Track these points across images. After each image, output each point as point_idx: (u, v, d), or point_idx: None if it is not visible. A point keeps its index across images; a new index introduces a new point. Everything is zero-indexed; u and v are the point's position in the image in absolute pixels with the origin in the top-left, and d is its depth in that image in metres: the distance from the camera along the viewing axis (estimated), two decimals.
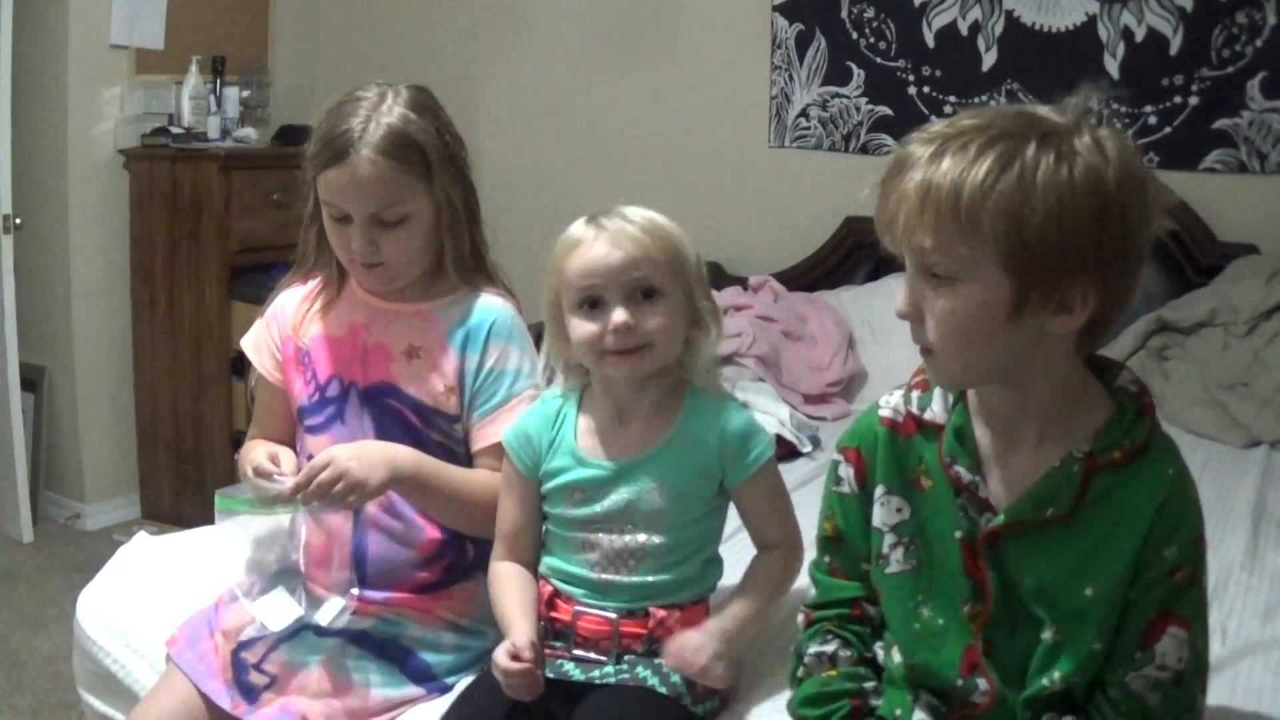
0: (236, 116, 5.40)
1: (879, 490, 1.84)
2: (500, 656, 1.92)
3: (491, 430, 2.27)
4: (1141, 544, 1.61)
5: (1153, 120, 4.30)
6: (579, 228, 2.05)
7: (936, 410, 1.79)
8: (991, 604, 1.71)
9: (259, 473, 2.21)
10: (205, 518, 3.42)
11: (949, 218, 1.53)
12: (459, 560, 2.31)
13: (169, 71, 5.31)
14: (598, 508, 2.08)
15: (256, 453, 2.27)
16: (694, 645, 1.92)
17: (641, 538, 2.05)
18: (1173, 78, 4.25)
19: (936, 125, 1.61)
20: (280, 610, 2.20)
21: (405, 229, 2.25)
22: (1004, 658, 1.72)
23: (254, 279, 4.98)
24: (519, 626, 2.00)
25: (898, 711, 1.81)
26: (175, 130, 5.19)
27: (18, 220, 4.86)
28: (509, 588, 2.11)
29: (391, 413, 2.31)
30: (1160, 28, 4.25)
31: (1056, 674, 1.66)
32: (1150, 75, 4.28)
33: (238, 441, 5.11)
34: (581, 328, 2.02)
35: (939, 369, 1.69)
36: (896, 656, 1.84)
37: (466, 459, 2.32)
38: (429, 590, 2.29)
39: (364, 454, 2.15)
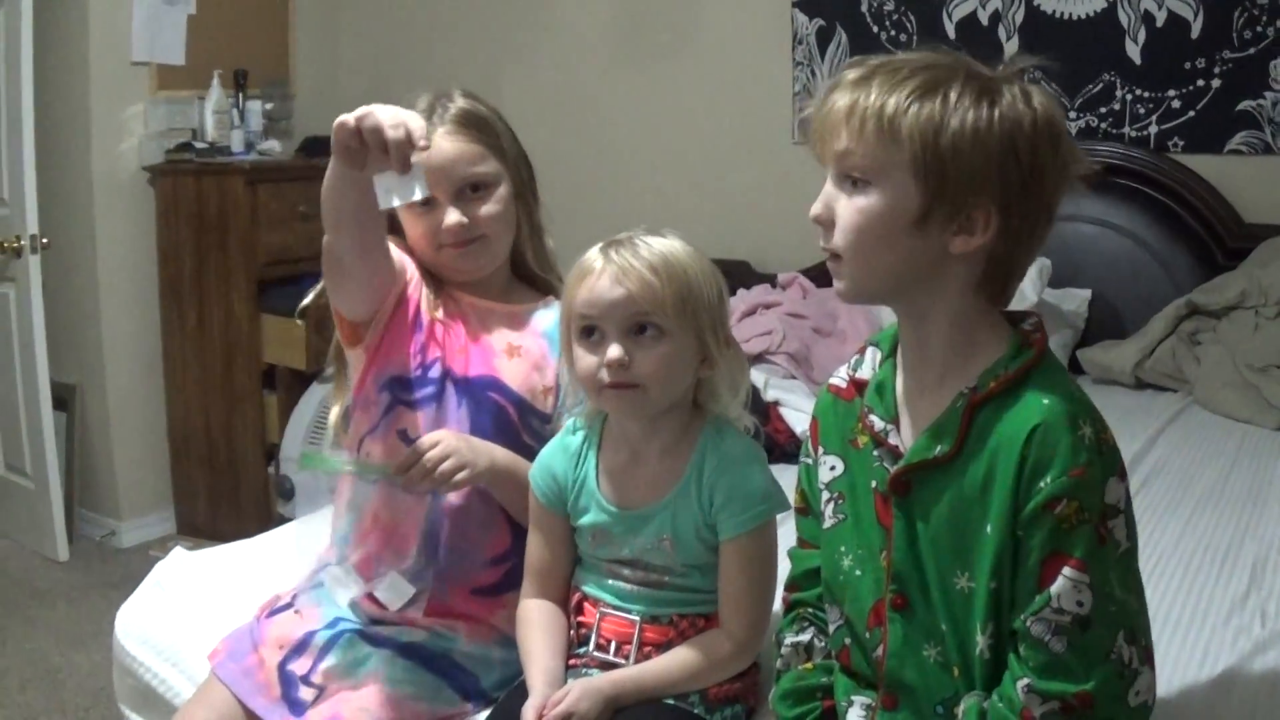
0: (260, 129, 5.39)
1: (820, 452, 1.88)
2: (528, 713, 1.91)
3: None
4: (1016, 476, 1.59)
5: (1176, 104, 4.29)
6: (592, 255, 2.02)
7: (866, 369, 1.84)
8: (894, 550, 1.71)
9: None
10: (241, 531, 3.45)
11: (872, 121, 1.60)
12: (520, 566, 2.28)
13: (191, 87, 5.33)
14: (615, 551, 2.07)
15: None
16: (575, 694, 1.91)
17: (660, 576, 2.05)
18: (1195, 61, 4.25)
19: (871, 59, 1.68)
20: (397, 589, 2.24)
21: (493, 196, 2.30)
22: (918, 611, 1.71)
23: (282, 291, 5.00)
24: (537, 684, 1.98)
25: (844, 702, 1.82)
26: (199, 145, 5.20)
27: (45, 240, 4.87)
28: (533, 633, 2.09)
29: (490, 406, 2.30)
30: (1181, 11, 4.24)
31: (975, 624, 1.64)
32: (1172, 59, 4.28)
33: (270, 454, 5.13)
34: (582, 359, 2.00)
35: (844, 274, 1.70)
36: (833, 624, 1.86)
37: None
38: (488, 593, 2.29)
39: (470, 439, 2.19)
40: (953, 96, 1.58)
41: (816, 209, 1.69)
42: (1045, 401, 1.61)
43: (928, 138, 1.57)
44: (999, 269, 1.67)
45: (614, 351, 1.95)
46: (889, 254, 1.64)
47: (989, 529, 1.61)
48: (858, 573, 1.78)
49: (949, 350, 1.70)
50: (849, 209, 1.64)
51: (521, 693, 1.99)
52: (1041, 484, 1.57)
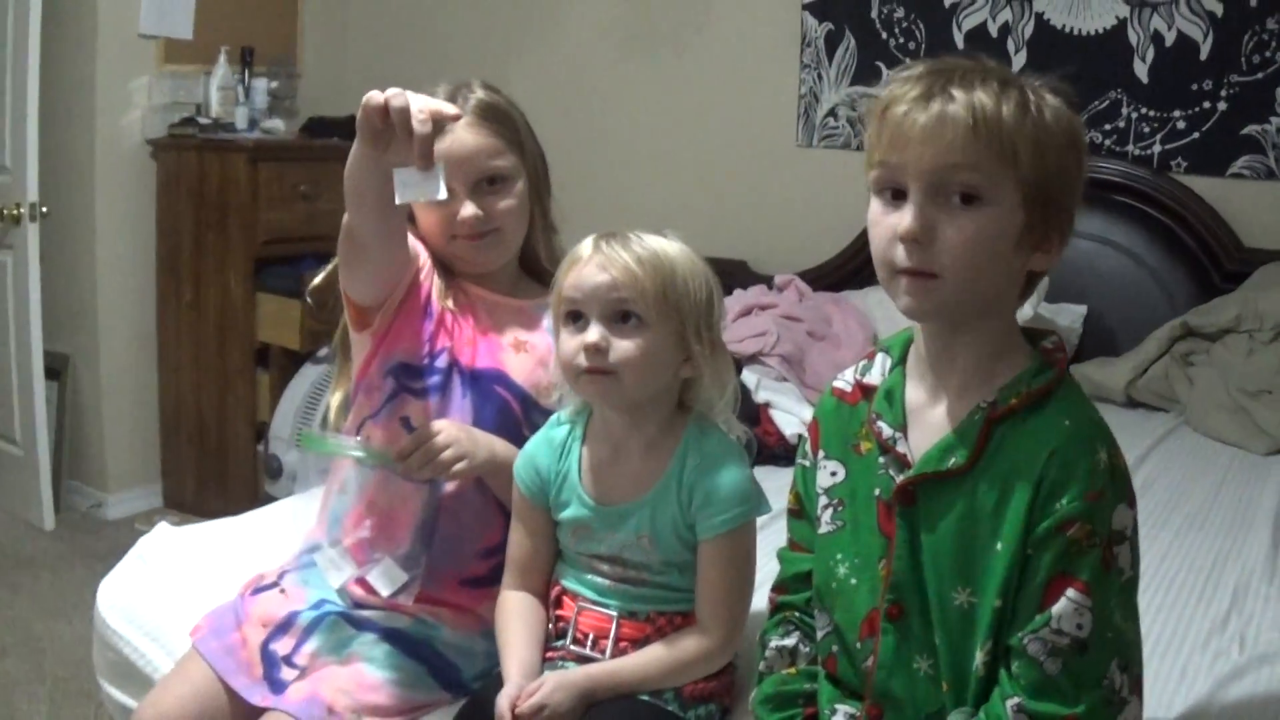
0: (264, 107, 5.39)
1: (821, 455, 1.86)
2: (502, 703, 1.90)
3: None
4: (1032, 495, 1.58)
5: (1181, 125, 4.29)
6: (585, 244, 2.04)
7: (875, 375, 1.82)
8: (894, 560, 1.70)
9: None
10: (227, 509, 3.45)
11: (995, 141, 1.55)
12: None
13: (197, 62, 5.33)
14: (594, 547, 2.08)
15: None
16: (549, 686, 1.90)
17: (638, 573, 2.05)
18: (1202, 83, 4.25)
19: (928, 62, 1.64)
20: (390, 575, 2.24)
21: (510, 191, 2.31)
22: (913, 623, 1.70)
23: (280, 271, 5.01)
24: (512, 675, 1.98)
25: (827, 710, 1.82)
26: (203, 120, 5.20)
27: (44, 209, 4.88)
28: (511, 624, 2.09)
29: (495, 399, 2.31)
30: (1190, 33, 4.24)
31: (975, 640, 1.63)
32: (1179, 80, 4.29)
33: (260, 433, 5.13)
34: (564, 343, 2.02)
35: (935, 293, 1.61)
36: (821, 631, 1.85)
37: None
38: (477, 584, 2.28)
39: (471, 430, 2.20)
40: (1035, 109, 1.57)
41: (914, 225, 1.57)
42: (1066, 423, 1.61)
43: (1038, 156, 1.56)
44: (1032, 284, 1.69)
45: (592, 334, 1.96)
46: (994, 273, 1.60)
47: (999, 546, 1.61)
48: (853, 581, 1.77)
49: (975, 363, 1.68)
50: (961, 227, 1.57)
51: (497, 683, 1.98)
52: (1057, 505, 1.57)
